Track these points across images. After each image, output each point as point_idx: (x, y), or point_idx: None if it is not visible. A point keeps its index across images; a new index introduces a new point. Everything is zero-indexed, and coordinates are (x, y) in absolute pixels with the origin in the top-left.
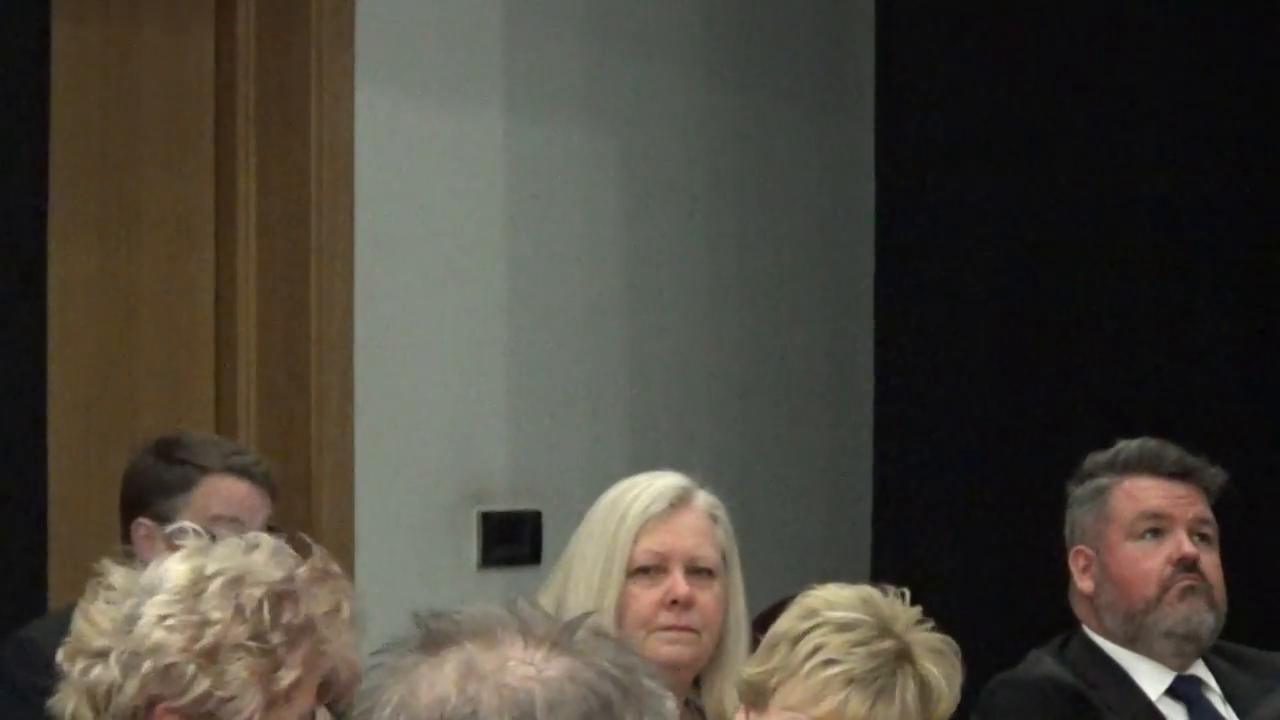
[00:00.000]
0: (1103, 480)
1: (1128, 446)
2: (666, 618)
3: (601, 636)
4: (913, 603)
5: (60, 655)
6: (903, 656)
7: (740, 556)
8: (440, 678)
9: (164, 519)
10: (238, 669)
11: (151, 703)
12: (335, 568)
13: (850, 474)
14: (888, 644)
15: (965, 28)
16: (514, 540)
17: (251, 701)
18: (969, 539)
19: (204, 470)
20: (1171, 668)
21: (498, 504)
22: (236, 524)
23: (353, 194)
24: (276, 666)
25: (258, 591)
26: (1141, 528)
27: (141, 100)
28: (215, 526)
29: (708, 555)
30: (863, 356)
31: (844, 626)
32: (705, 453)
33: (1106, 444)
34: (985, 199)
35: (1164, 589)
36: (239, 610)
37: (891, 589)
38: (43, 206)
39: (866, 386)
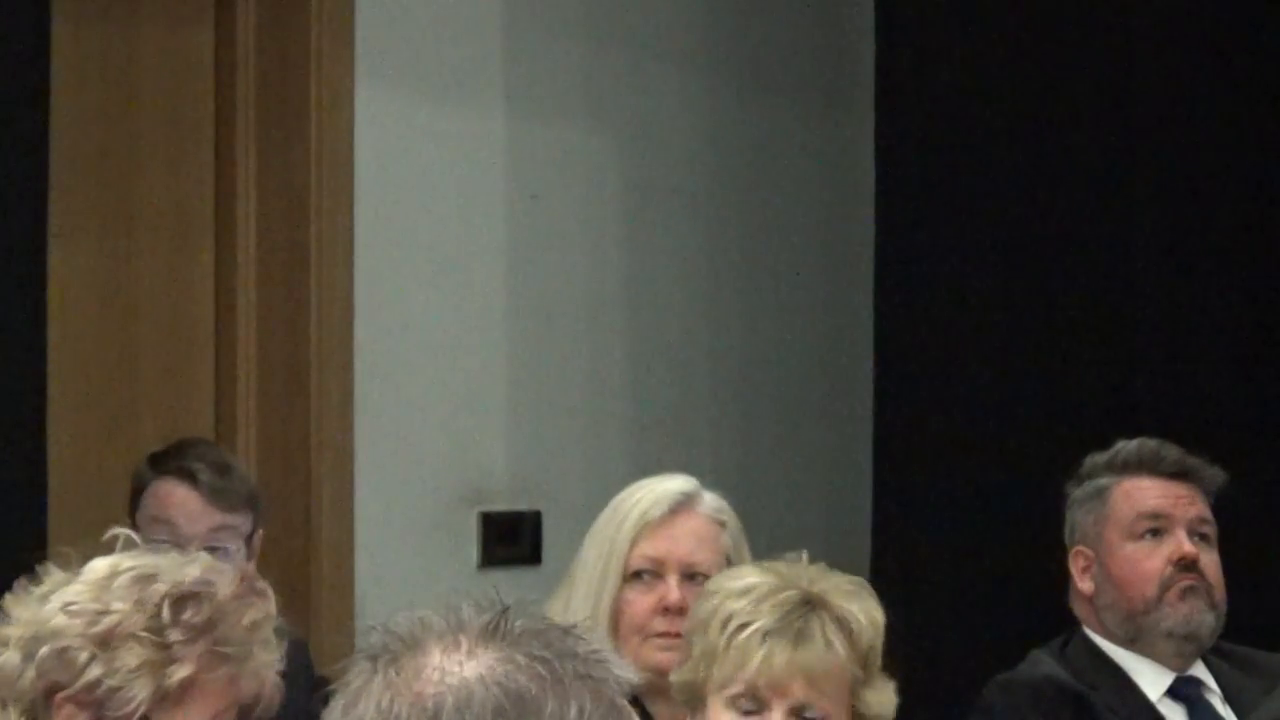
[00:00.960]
0: (1102, 481)
1: (1126, 447)
2: (660, 624)
3: (540, 625)
4: (912, 601)
5: None
6: (810, 602)
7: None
8: (368, 693)
9: (131, 521)
10: (128, 658)
11: (50, 691)
12: (264, 586)
13: (850, 474)
14: (791, 593)
15: (965, 27)
16: (514, 541)
17: (140, 692)
18: (969, 539)
19: (157, 474)
20: (1172, 668)
21: (498, 504)
22: (170, 526)
23: (353, 194)
24: (169, 661)
25: (163, 587)
26: (1141, 528)
27: (141, 100)
28: (152, 529)
29: (704, 561)
30: (863, 356)
31: (744, 591)
32: (705, 452)
33: (1107, 444)
34: (985, 198)
35: (1164, 589)
36: (140, 602)
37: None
38: (43, 207)
39: (866, 386)
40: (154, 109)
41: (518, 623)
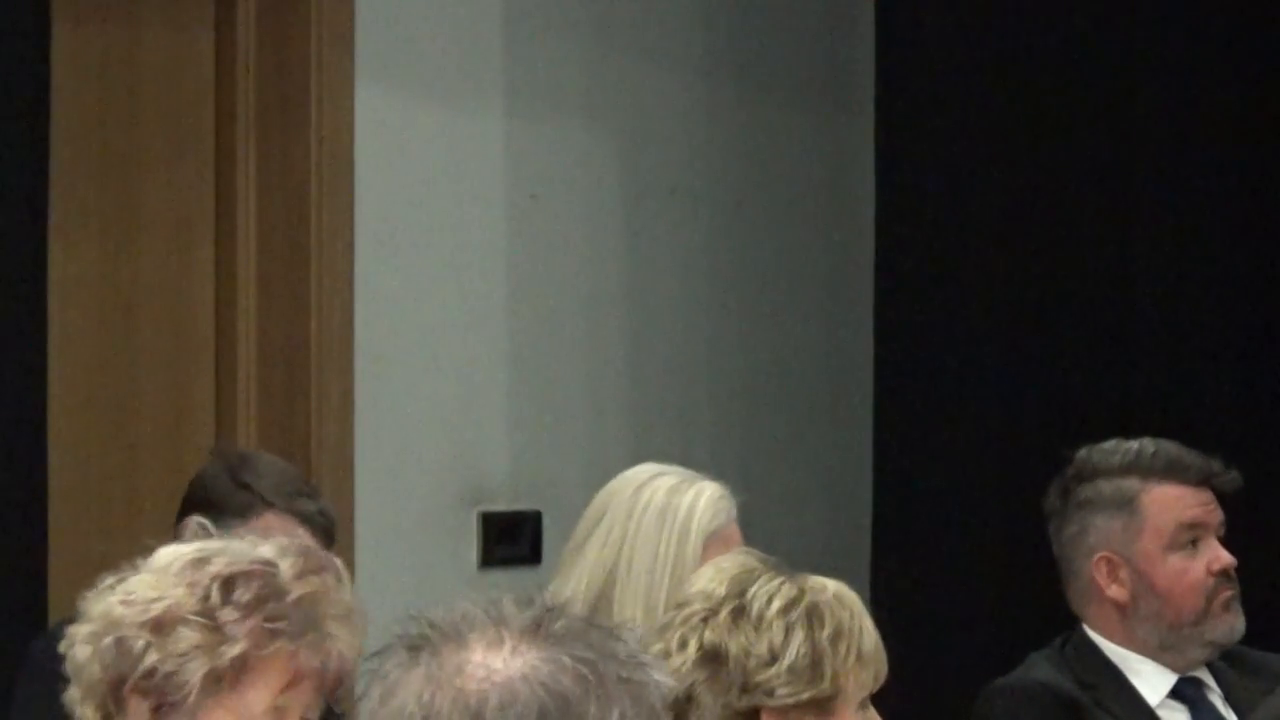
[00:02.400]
0: (1124, 485)
1: (1145, 450)
2: None
3: (582, 625)
4: (913, 602)
5: (62, 646)
6: (802, 591)
7: None
8: (406, 684)
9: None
10: (180, 641)
11: (116, 682)
12: (331, 561)
13: (850, 475)
14: (790, 586)
15: (965, 27)
16: (514, 541)
17: (194, 674)
18: (969, 539)
19: (268, 505)
20: (1176, 670)
21: (498, 504)
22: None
23: (353, 194)
24: (220, 641)
25: (215, 569)
26: (1184, 538)
27: (142, 100)
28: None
29: (753, 555)
30: (863, 356)
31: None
32: (705, 453)
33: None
34: (986, 198)
35: (1210, 600)
36: (191, 585)
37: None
38: (43, 206)
39: (867, 386)
40: (154, 109)
41: (560, 622)
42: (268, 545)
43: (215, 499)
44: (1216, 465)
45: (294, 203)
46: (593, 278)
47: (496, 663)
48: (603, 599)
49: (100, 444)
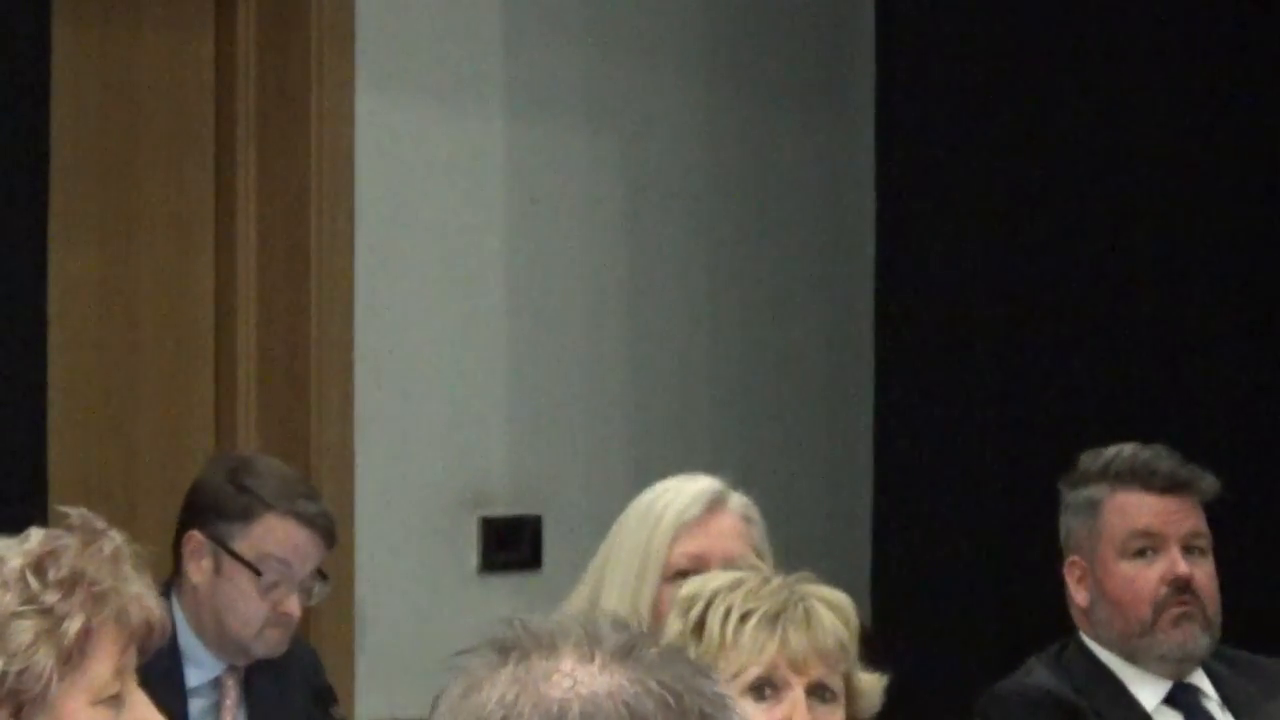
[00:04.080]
0: (1095, 491)
1: (1120, 455)
2: None
3: (674, 656)
4: (914, 600)
5: None
6: (795, 591)
7: None
8: (491, 683)
9: (217, 539)
10: (20, 636)
11: None
12: (100, 523)
13: (850, 477)
14: (777, 583)
15: (964, 30)
16: (514, 545)
17: (46, 661)
18: (970, 539)
19: (268, 508)
20: (1168, 678)
21: (498, 509)
22: (285, 565)
23: (353, 197)
24: (59, 620)
25: (17, 561)
26: (1134, 546)
27: (142, 102)
28: (265, 562)
29: (742, 556)
30: (863, 358)
31: (733, 586)
32: (705, 457)
33: (1105, 443)
34: (984, 200)
35: (1158, 612)
36: (4, 584)
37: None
38: (44, 207)
39: (867, 388)
40: (155, 112)
41: (653, 650)
42: (32, 536)
43: (216, 503)
44: (1190, 472)
45: (294, 206)
46: (592, 283)
47: (584, 676)
48: (595, 592)
49: (100, 444)
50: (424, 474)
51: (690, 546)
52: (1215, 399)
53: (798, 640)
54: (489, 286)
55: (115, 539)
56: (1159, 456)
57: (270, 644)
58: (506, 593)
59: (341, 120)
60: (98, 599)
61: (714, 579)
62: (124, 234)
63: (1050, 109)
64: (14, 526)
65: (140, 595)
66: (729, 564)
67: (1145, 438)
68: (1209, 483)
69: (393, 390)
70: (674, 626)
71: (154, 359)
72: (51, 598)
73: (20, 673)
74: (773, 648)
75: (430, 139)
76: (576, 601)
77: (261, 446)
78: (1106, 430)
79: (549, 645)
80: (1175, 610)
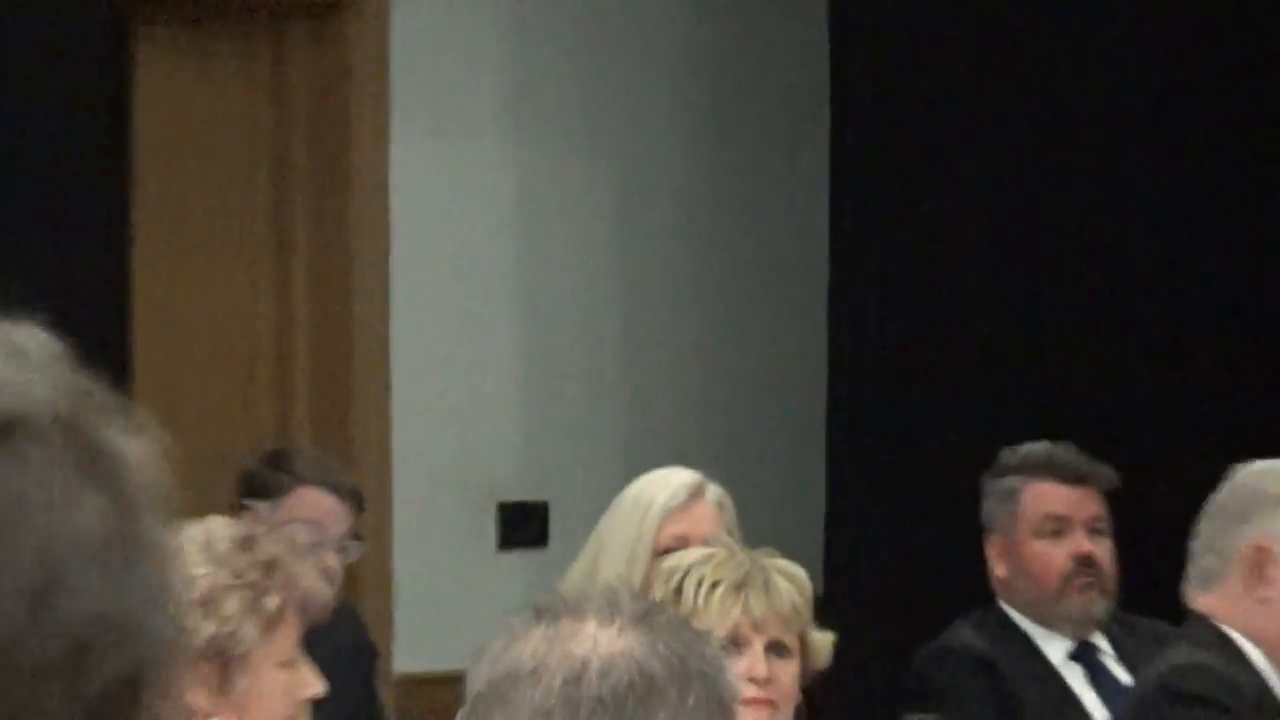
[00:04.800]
0: (1013, 481)
1: (1034, 451)
2: None
3: (680, 625)
4: (860, 572)
5: None
6: (757, 563)
7: None
8: (527, 639)
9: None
10: (230, 605)
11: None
12: (274, 522)
13: (807, 466)
14: (742, 557)
15: (912, 85)
16: (526, 527)
17: (251, 628)
18: (906, 521)
19: (300, 481)
20: (1072, 638)
21: (512, 496)
22: (317, 527)
23: (388, 226)
24: (260, 595)
25: (224, 544)
26: (1046, 528)
27: (210, 152)
28: (297, 527)
29: (717, 537)
30: (818, 370)
31: (704, 560)
32: (688, 452)
33: (1034, 436)
34: (925, 222)
35: (1066, 582)
36: (215, 561)
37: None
38: (127, 240)
39: (820, 394)
40: (221, 160)
41: (663, 618)
42: (214, 521)
43: (257, 484)
44: (1092, 466)
45: (338, 235)
46: (591, 309)
47: (604, 638)
48: (592, 566)
49: (177, 443)
50: (450, 468)
51: (675, 529)
52: (1116, 407)
53: (758, 605)
54: (501, 312)
55: (287, 534)
56: (1067, 453)
57: (318, 593)
58: (519, 566)
59: (378, 161)
60: (289, 582)
61: (690, 554)
62: (197, 263)
63: (991, 149)
64: None
65: (314, 581)
66: (706, 544)
67: (1056, 437)
68: (1108, 475)
69: (423, 397)
70: (657, 593)
71: (223, 368)
72: (255, 575)
73: (228, 635)
74: (737, 611)
75: (451, 173)
76: (576, 574)
77: (313, 444)
78: (1025, 430)
79: (577, 611)
80: (1080, 581)
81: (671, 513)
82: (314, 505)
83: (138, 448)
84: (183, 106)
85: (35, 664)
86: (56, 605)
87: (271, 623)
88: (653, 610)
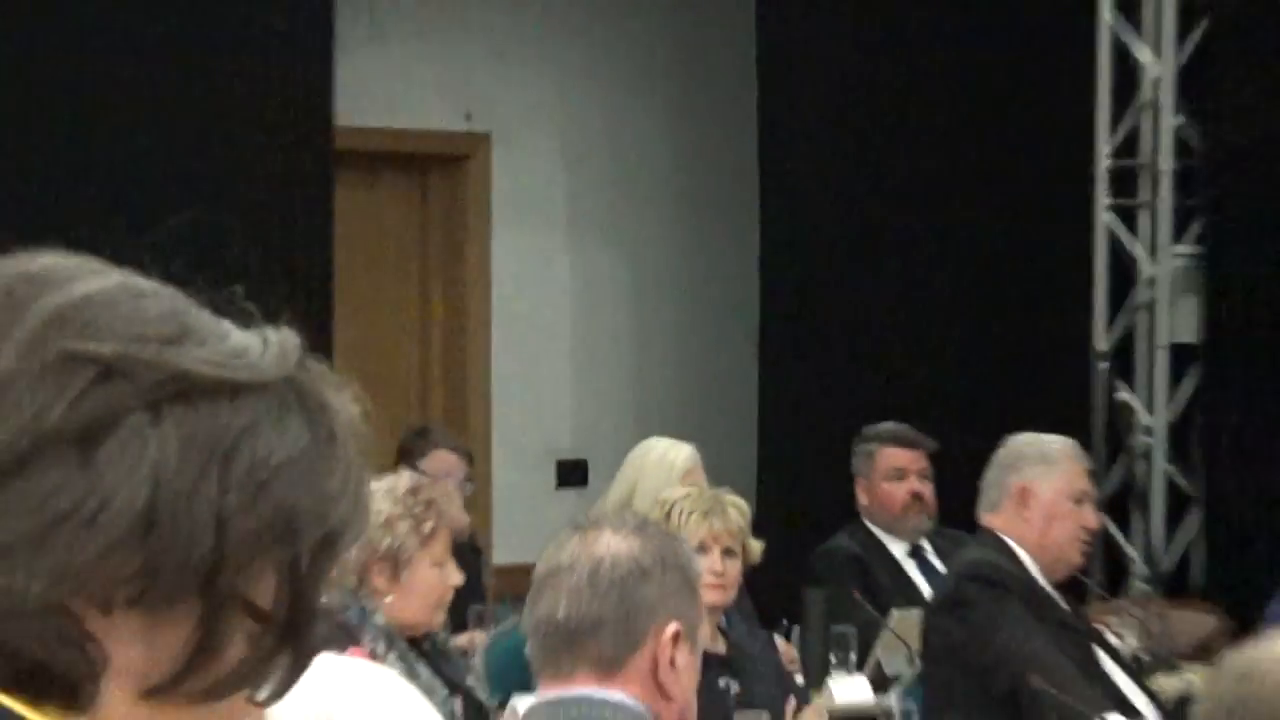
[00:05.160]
0: (871, 446)
1: (884, 427)
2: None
3: (665, 533)
4: (782, 502)
5: None
6: (718, 498)
7: None
8: (567, 542)
9: (412, 468)
10: (401, 529)
11: (365, 563)
12: (435, 479)
13: (742, 427)
14: (708, 494)
15: (827, 156)
16: (573, 475)
17: (413, 542)
18: (811, 471)
19: (436, 445)
20: (907, 541)
21: (565, 456)
22: (449, 476)
23: (490, 290)
24: (421, 523)
25: (400, 491)
26: (892, 475)
27: (383, 248)
28: (435, 476)
29: (698, 484)
30: (750, 367)
31: (685, 495)
32: (670, 426)
33: (889, 414)
34: (836, 237)
35: (905, 509)
36: (396, 501)
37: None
38: (330, 308)
39: (754, 386)
40: (386, 248)
41: (653, 529)
42: (406, 471)
43: (408, 448)
44: (919, 437)
45: (459, 293)
46: (613, 339)
47: (614, 541)
48: (629, 501)
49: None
50: (526, 439)
51: (689, 481)
52: (937, 399)
53: (717, 524)
54: (558, 344)
55: (442, 485)
56: (903, 428)
57: (462, 520)
58: (569, 501)
59: (484, 253)
60: (441, 513)
61: (677, 491)
62: (375, 315)
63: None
64: None
65: (458, 512)
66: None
67: (903, 417)
68: (930, 443)
69: (509, 397)
70: (654, 515)
71: (390, 379)
72: (419, 510)
73: (399, 546)
74: (704, 529)
75: (528, 259)
76: (607, 504)
77: (443, 424)
78: (886, 410)
79: (598, 526)
80: (913, 509)
81: (684, 473)
82: (444, 461)
83: (343, 402)
84: (366, 222)
85: (256, 528)
86: (271, 493)
87: (427, 539)
88: (646, 524)
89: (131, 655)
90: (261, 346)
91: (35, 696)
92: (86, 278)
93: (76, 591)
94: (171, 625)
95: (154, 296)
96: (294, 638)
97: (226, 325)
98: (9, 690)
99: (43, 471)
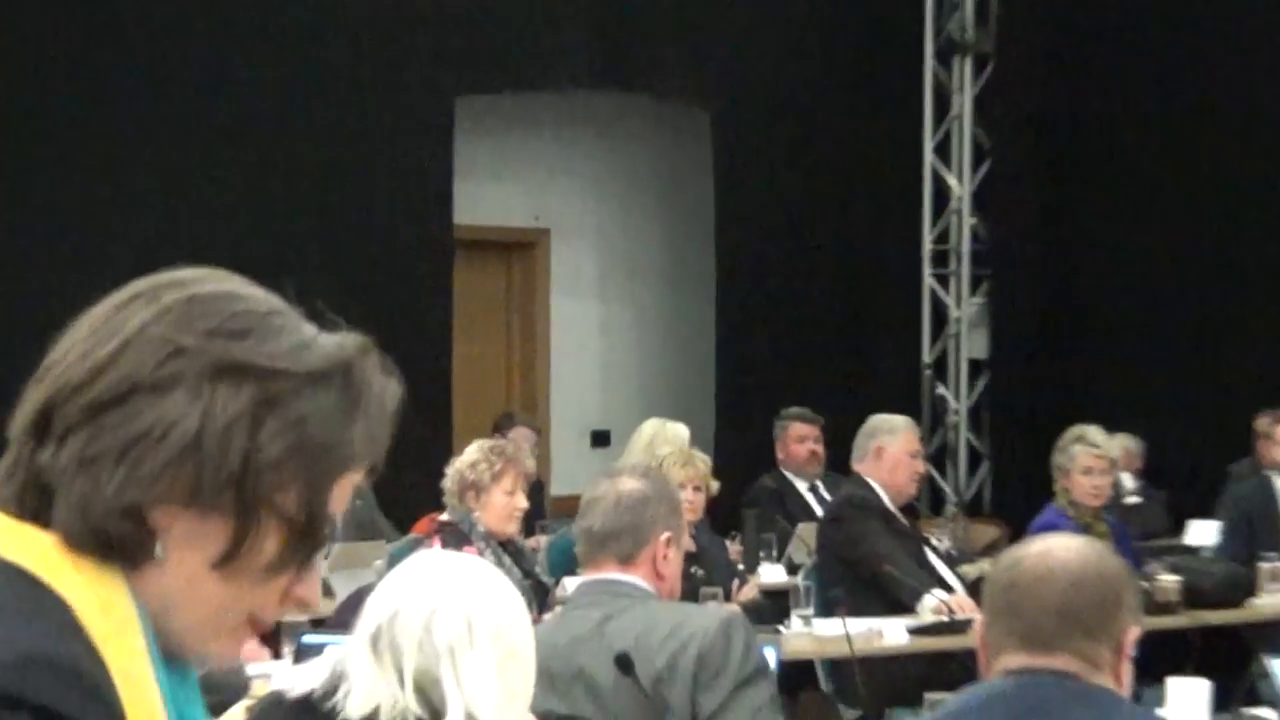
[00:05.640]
0: (785, 422)
1: (793, 410)
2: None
3: (659, 474)
4: (733, 456)
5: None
6: (692, 454)
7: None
8: (599, 485)
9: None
10: (481, 467)
11: (465, 487)
12: (514, 442)
13: (702, 397)
14: (687, 452)
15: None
16: (602, 441)
17: (487, 476)
18: (753, 432)
19: (514, 423)
20: (809, 482)
21: (596, 427)
22: (529, 442)
23: (550, 340)
24: (493, 465)
25: (487, 445)
26: (799, 440)
27: (486, 308)
28: (515, 441)
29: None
30: (709, 355)
31: (673, 453)
32: (664, 402)
33: (803, 401)
34: (775, 246)
35: (805, 461)
36: (481, 450)
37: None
38: (449, 355)
39: (711, 368)
40: (487, 308)
41: (655, 473)
42: (491, 440)
43: (498, 425)
44: (815, 415)
45: (530, 344)
46: (624, 349)
47: (627, 483)
48: (643, 462)
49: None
50: (572, 415)
51: (673, 448)
52: (824, 389)
53: (691, 471)
54: (588, 361)
55: (518, 445)
56: (805, 410)
57: (531, 467)
58: (598, 458)
59: (543, 314)
60: (509, 460)
61: (664, 450)
62: (474, 349)
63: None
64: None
65: (530, 462)
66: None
67: (804, 403)
68: (820, 419)
69: (561, 392)
70: (652, 464)
71: (488, 388)
72: (494, 456)
73: (477, 479)
74: (684, 473)
75: (574, 308)
76: (624, 461)
77: (521, 409)
78: (794, 399)
79: (617, 474)
80: (812, 460)
81: (686, 439)
82: (520, 433)
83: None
84: (471, 287)
85: (278, 457)
86: (291, 435)
87: (497, 474)
88: (650, 470)
89: (192, 537)
90: (322, 344)
91: (103, 558)
92: (205, 283)
93: (147, 490)
94: (219, 518)
95: (245, 300)
96: (311, 536)
97: (307, 327)
98: (90, 554)
99: (133, 404)
